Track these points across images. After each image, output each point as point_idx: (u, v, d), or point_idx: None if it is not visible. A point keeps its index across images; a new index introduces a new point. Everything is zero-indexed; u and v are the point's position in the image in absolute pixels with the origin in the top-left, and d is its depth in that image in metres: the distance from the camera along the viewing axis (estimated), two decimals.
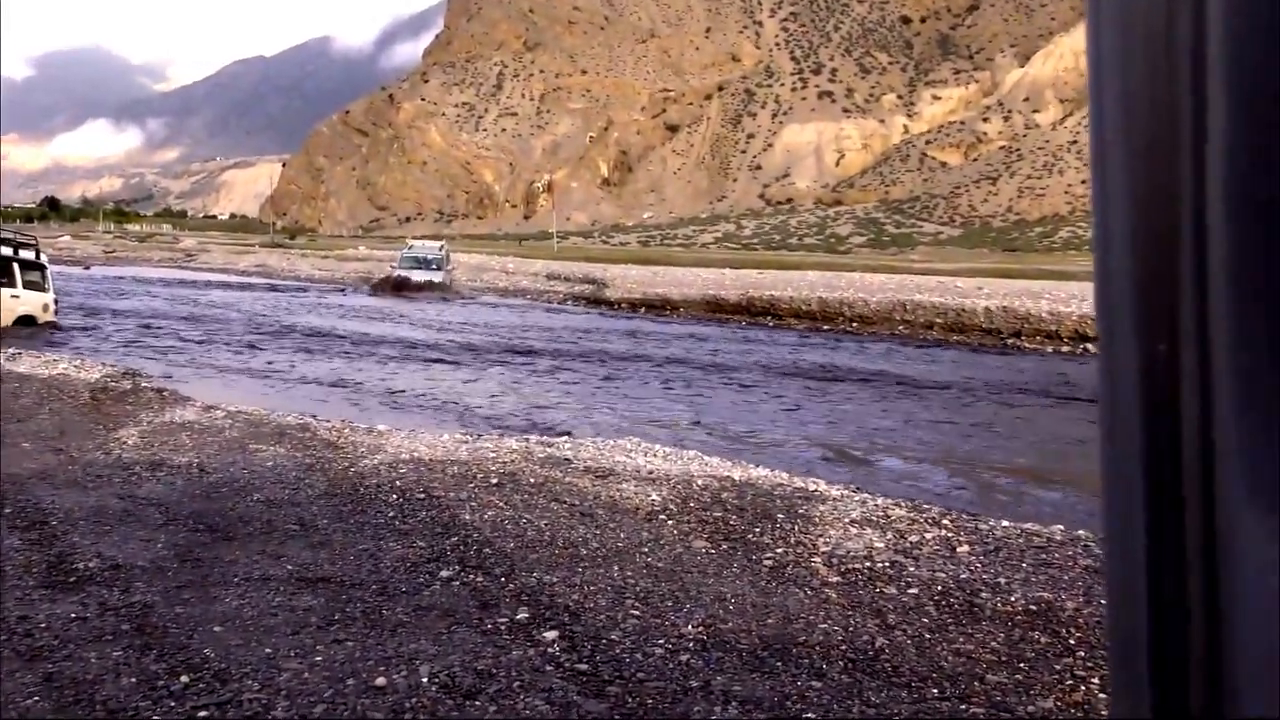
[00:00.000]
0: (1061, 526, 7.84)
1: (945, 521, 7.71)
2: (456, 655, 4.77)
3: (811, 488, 8.81)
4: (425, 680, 4.47)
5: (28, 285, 22.89)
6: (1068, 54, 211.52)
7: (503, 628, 5.18)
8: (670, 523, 7.37)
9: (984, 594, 5.97)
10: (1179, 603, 0.73)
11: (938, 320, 35.09)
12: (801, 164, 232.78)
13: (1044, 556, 6.83)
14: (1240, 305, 0.68)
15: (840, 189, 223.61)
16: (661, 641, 5.08)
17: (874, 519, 7.64)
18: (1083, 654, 5.12)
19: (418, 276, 47.83)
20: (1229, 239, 0.69)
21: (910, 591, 6.02)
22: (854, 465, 13.62)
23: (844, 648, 5.11)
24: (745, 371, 23.63)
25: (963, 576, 6.29)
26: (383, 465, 8.83)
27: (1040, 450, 15.76)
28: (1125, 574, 0.77)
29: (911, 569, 6.44)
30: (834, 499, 8.31)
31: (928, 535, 7.24)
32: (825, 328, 36.33)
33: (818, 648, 5.10)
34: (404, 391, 18.37)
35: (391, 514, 7.30)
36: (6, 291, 22.06)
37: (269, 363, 21.55)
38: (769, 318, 38.86)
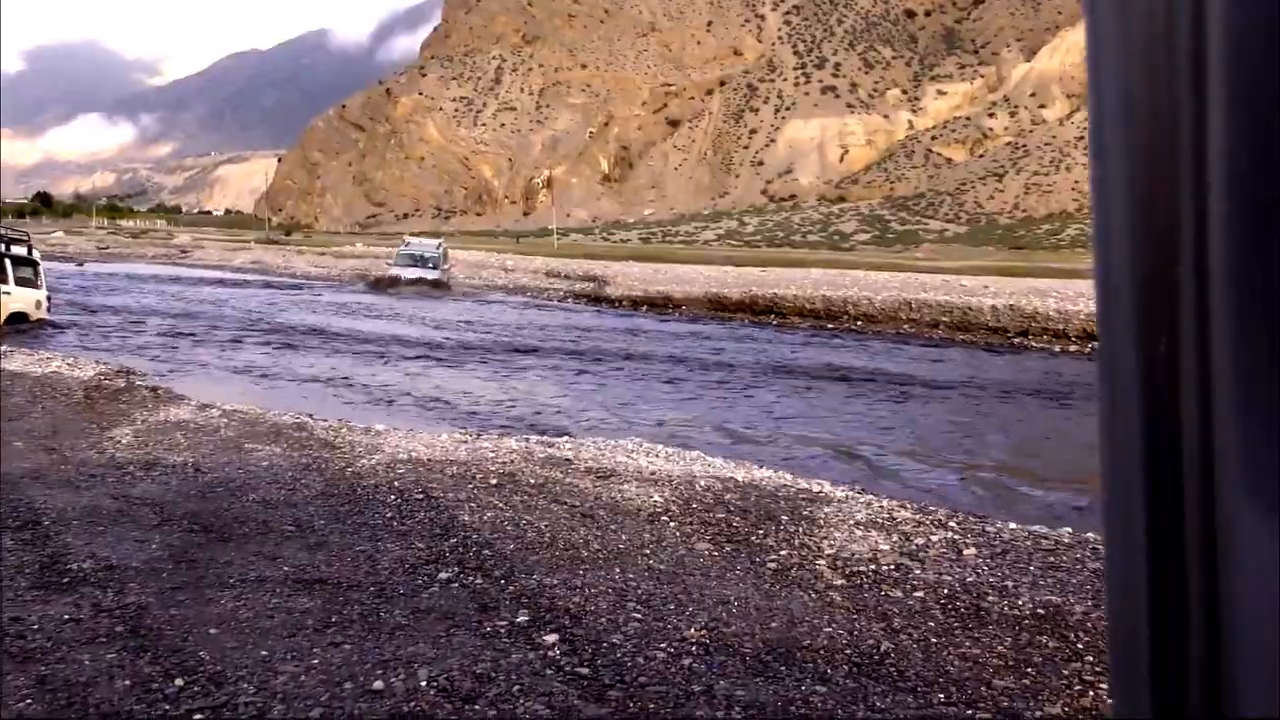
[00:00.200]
0: (1069, 529, 7.84)
1: (952, 524, 7.71)
2: (455, 658, 4.76)
3: (816, 489, 8.81)
4: (424, 684, 4.47)
5: (20, 282, 22.90)
6: (1075, 48, 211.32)
7: (502, 631, 5.17)
8: (672, 524, 7.37)
9: (991, 597, 5.97)
10: (1179, 602, 0.73)
11: (943, 319, 35.09)
12: (805, 160, 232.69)
13: (1051, 559, 6.82)
14: (1240, 305, 0.68)
15: (844, 185, 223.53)
16: (663, 645, 5.08)
17: (879, 521, 7.64)
18: (1091, 659, 5.12)
19: (414, 274, 47.71)
20: (1229, 239, 0.69)
21: (916, 595, 6.02)
22: (859, 466, 13.62)
23: (849, 652, 5.11)
24: (748, 370, 23.63)
25: (969, 580, 6.29)
26: (380, 465, 8.83)
27: (1048, 451, 15.75)
28: (1126, 573, 0.78)
29: (917, 572, 6.44)
30: (839, 500, 8.31)
31: (934, 538, 7.24)
32: (829, 326, 36.33)
33: (822, 652, 5.10)
34: (402, 390, 18.37)
35: (389, 515, 7.30)
36: None
37: (265, 361, 21.55)
38: (772, 316, 38.85)
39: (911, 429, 17.14)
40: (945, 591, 6.07)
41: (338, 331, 28.31)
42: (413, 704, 4.27)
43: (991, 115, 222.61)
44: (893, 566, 6.54)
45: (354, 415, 13.73)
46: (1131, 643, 0.77)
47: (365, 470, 8.65)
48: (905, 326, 35.27)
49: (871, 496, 8.78)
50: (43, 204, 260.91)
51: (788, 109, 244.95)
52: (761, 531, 7.24)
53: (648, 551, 6.68)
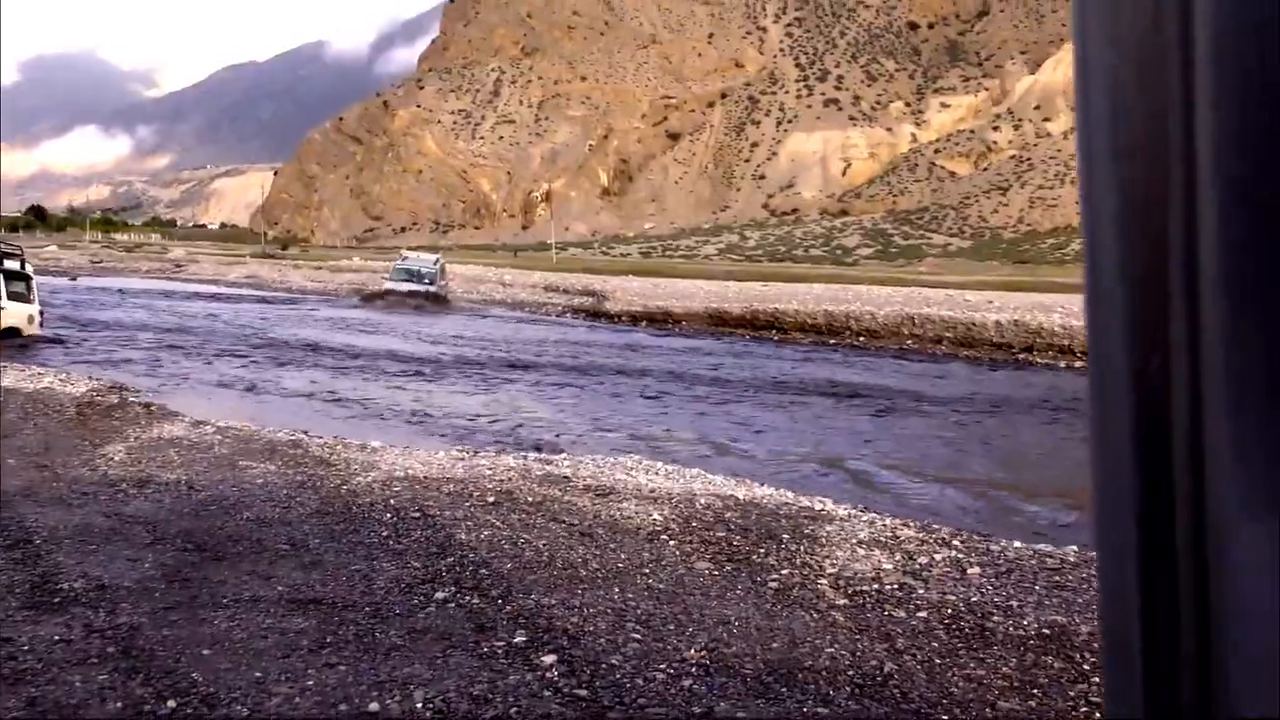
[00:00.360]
0: (1075, 547, 7.82)
1: (955, 542, 7.70)
2: (452, 680, 4.75)
3: (818, 507, 8.80)
4: (420, 705, 4.46)
5: (12, 296, 22.91)
6: None
7: (499, 651, 5.16)
8: (672, 543, 7.36)
9: (995, 617, 5.96)
10: (1170, 602, 0.74)
11: (947, 334, 35.11)
12: (807, 173, 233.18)
13: (1057, 579, 6.81)
14: (1231, 305, 0.69)
15: (846, 199, 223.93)
16: (663, 666, 5.07)
17: (882, 539, 7.63)
18: (1097, 680, 5.10)
19: (409, 288, 47.65)
20: (1219, 239, 0.69)
21: (919, 615, 6.00)
22: (861, 484, 13.61)
23: (851, 673, 5.10)
24: (749, 387, 23.63)
25: (974, 599, 6.28)
26: (376, 483, 8.82)
27: (1054, 468, 15.73)
28: (1116, 573, 0.78)
29: (921, 591, 6.43)
30: (841, 519, 8.30)
31: (937, 556, 7.23)
32: (831, 342, 36.34)
33: (824, 673, 5.09)
34: (399, 407, 18.37)
35: (385, 533, 7.29)
36: None
37: (259, 377, 21.55)
38: (773, 331, 38.87)
39: (914, 446, 17.13)
40: (949, 611, 6.06)
41: (334, 347, 28.31)
42: None
43: (995, 128, 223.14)
44: (896, 586, 6.53)
45: (349, 432, 13.72)
46: (1123, 642, 0.78)
47: (361, 488, 8.64)
48: (908, 342, 35.28)
49: (874, 514, 8.77)
50: (37, 217, 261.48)
51: (789, 122, 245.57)
52: (763, 550, 7.23)
53: (647, 570, 6.67)
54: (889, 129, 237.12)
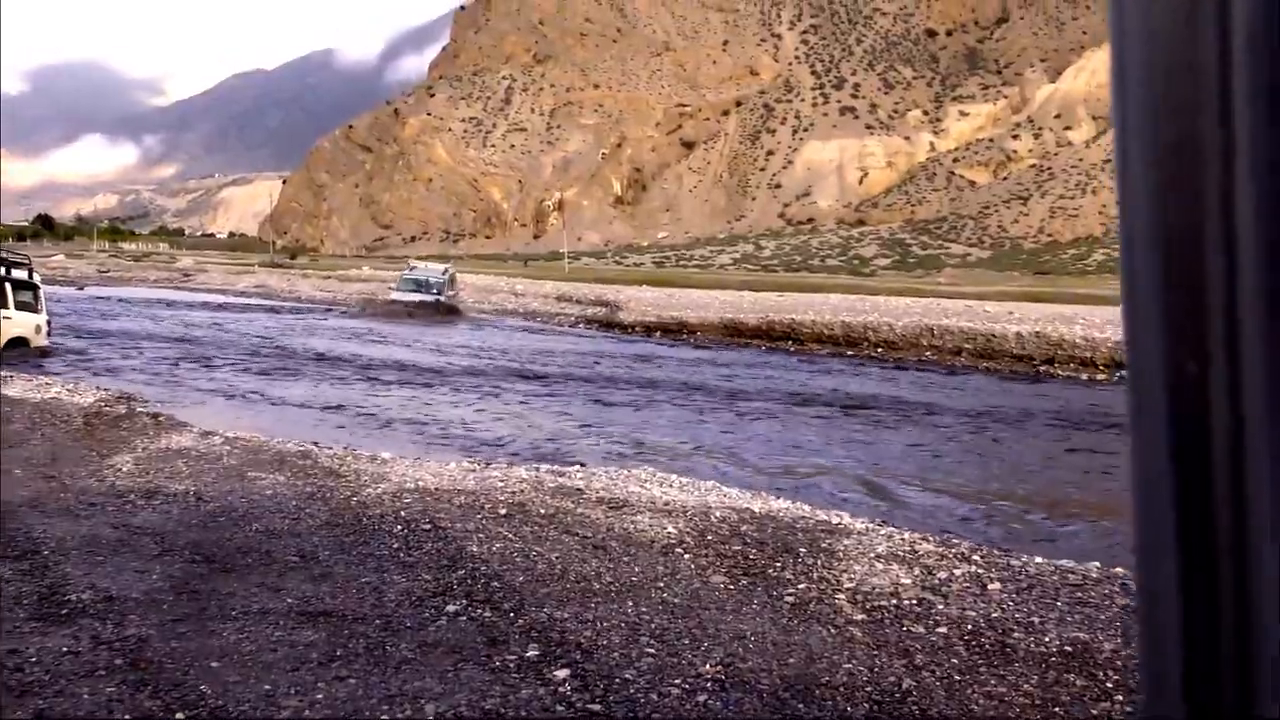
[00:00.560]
0: (1098, 563, 7.80)
1: (975, 557, 7.68)
2: (463, 694, 4.76)
3: (835, 521, 8.79)
4: None
5: (20, 306, 23.01)
6: (1101, 69, 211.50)
7: (512, 665, 5.16)
8: (687, 556, 7.35)
9: (1016, 634, 5.94)
10: (1210, 605, 0.74)
11: (966, 346, 35.04)
12: (823, 182, 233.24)
13: (1079, 595, 6.79)
14: (1271, 311, 0.69)
15: (864, 208, 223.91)
16: (678, 681, 5.07)
17: (901, 554, 7.62)
18: (1120, 698, 5.09)
19: (415, 299, 47.50)
20: (1258, 244, 0.69)
21: (939, 630, 5.99)
22: (879, 497, 13.58)
23: (869, 689, 5.09)
24: (765, 399, 23.61)
25: (994, 615, 6.26)
26: (387, 495, 8.84)
27: (1075, 482, 15.68)
28: (1155, 572, 0.79)
29: (940, 607, 6.42)
30: (859, 533, 8.29)
31: (957, 571, 7.21)
32: (849, 353, 36.30)
33: (841, 689, 5.08)
34: (410, 417, 18.40)
35: (396, 545, 7.30)
36: None
37: (268, 387, 21.61)
38: (790, 342, 38.84)
39: (933, 459, 17.09)
40: (969, 627, 6.04)
41: (343, 357, 28.39)
42: None
43: (1015, 137, 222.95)
44: (915, 601, 6.51)
45: (359, 442, 13.75)
46: (1161, 643, 0.78)
47: (371, 500, 8.66)
48: (927, 353, 35.23)
49: (892, 529, 8.75)
50: (44, 226, 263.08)
51: (805, 130, 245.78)
52: (779, 564, 7.22)
53: (661, 584, 6.67)
54: (907, 137, 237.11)
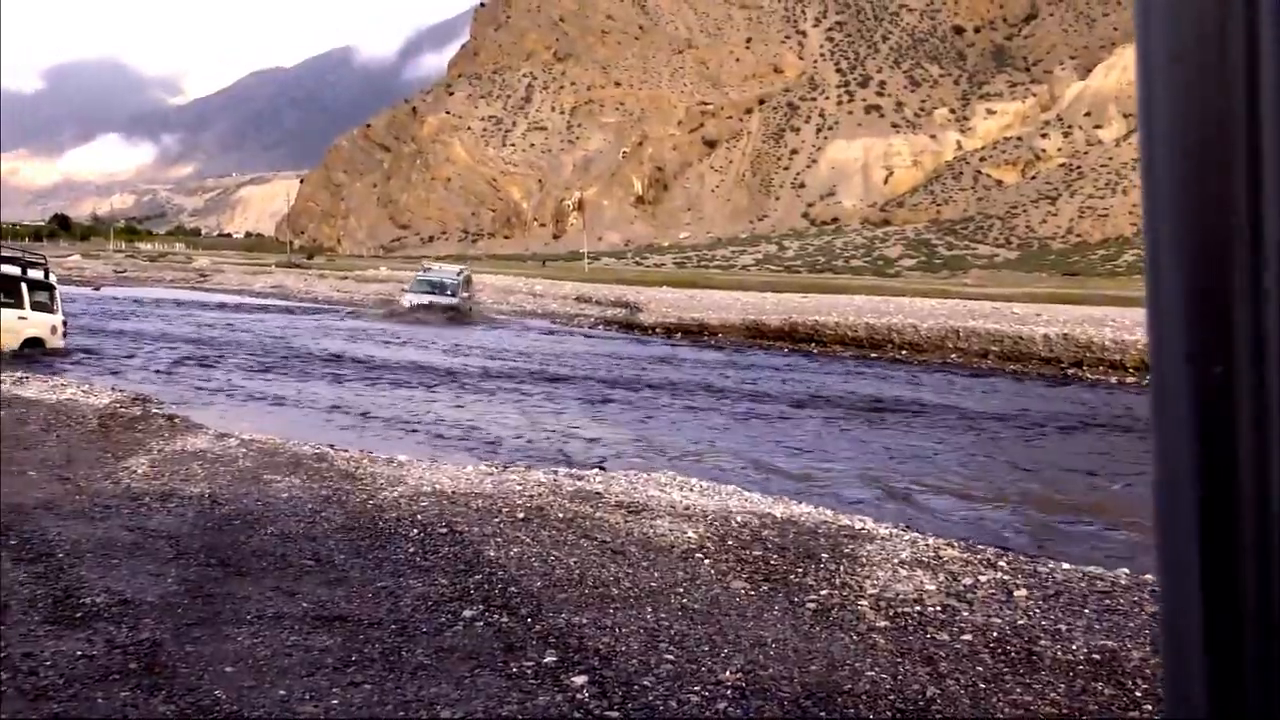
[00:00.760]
0: (1127, 570, 7.76)
1: (1001, 563, 7.65)
2: (480, 700, 4.77)
3: (858, 526, 8.77)
4: None
5: (35, 306, 23.17)
6: (1131, 66, 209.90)
7: (529, 672, 5.17)
8: (707, 562, 7.35)
9: (1043, 641, 5.91)
10: (1234, 607, 0.74)
11: (993, 348, 34.91)
12: (848, 182, 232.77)
13: (1108, 602, 6.76)
14: None
15: (889, 208, 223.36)
16: (697, 688, 5.06)
17: (925, 560, 7.60)
18: (1149, 707, 5.06)
19: (427, 300, 47.34)
20: None
21: (964, 638, 5.97)
22: (903, 502, 13.55)
23: (892, 697, 5.08)
24: (787, 401, 23.58)
25: (1020, 622, 6.24)
26: (403, 498, 8.87)
27: (1103, 486, 15.61)
28: (1179, 575, 0.79)
29: (965, 614, 6.40)
30: (882, 538, 8.27)
31: (982, 578, 7.19)
32: (873, 355, 36.23)
33: (864, 697, 5.07)
34: (426, 420, 18.45)
35: (412, 549, 7.32)
36: (14, 313, 22.33)
37: (284, 388, 21.71)
38: (813, 344, 38.78)
39: (958, 463, 17.04)
40: (995, 635, 6.02)
41: (359, 358, 28.49)
42: None
43: (1044, 135, 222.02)
44: (939, 608, 6.49)
45: (375, 445, 13.80)
46: (1186, 645, 0.78)
47: (387, 503, 8.69)
48: (953, 356, 35.12)
49: (916, 534, 8.73)
50: (60, 226, 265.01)
51: (830, 129, 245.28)
52: (800, 570, 7.21)
53: (681, 590, 6.66)
54: (933, 136, 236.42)
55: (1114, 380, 30.09)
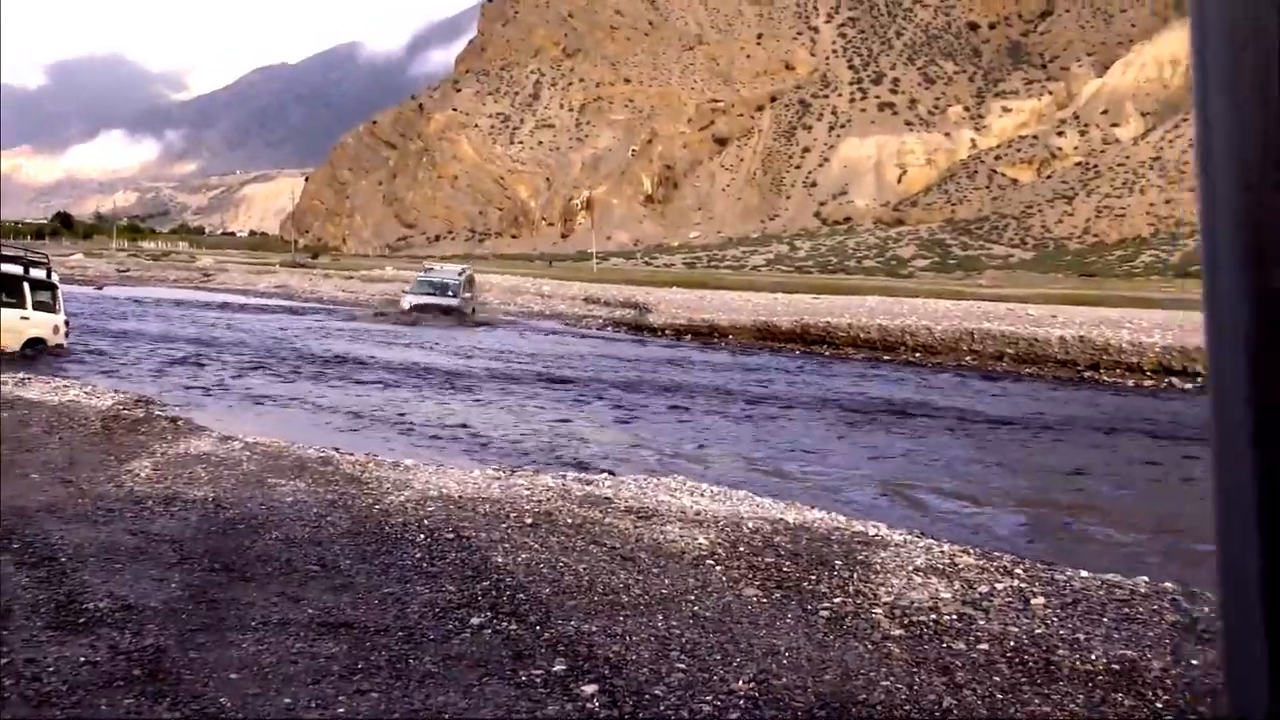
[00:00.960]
0: (1146, 577, 7.74)
1: (1018, 570, 7.63)
2: (488, 709, 4.76)
3: (872, 532, 8.76)
4: None
5: (37, 306, 23.23)
6: (1150, 63, 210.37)
7: (538, 680, 5.17)
8: (718, 568, 7.34)
9: (1061, 651, 5.90)
10: None
11: (1008, 350, 34.86)
12: (860, 181, 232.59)
13: (1127, 610, 6.74)
14: None
15: (902, 208, 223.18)
16: (709, 698, 5.06)
17: (940, 567, 7.58)
18: (1170, 719, 5.04)
19: (426, 301, 47.36)
20: None
21: (980, 647, 5.95)
22: (918, 508, 13.52)
23: (908, 708, 5.06)
24: (798, 404, 23.56)
25: (1037, 631, 6.22)
26: (409, 503, 8.87)
27: (1121, 492, 15.57)
28: (1238, 572, 0.78)
29: (981, 622, 6.38)
30: (896, 544, 8.25)
31: (999, 585, 7.17)
32: (886, 358, 36.19)
33: (879, 707, 5.06)
34: (432, 422, 18.46)
35: (419, 555, 7.32)
36: (16, 313, 22.39)
37: (288, 390, 21.74)
38: (825, 346, 38.75)
39: (973, 468, 17.01)
40: (1012, 644, 6.00)
41: (364, 360, 28.53)
42: None
43: (1060, 134, 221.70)
44: (955, 616, 6.48)
45: (381, 448, 13.81)
46: (1246, 640, 0.78)
47: (394, 507, 8.69)
48: (967, 358, 35.07)
49: (931, 540, 8.71)
50: (63, 224, 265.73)
51: (842, 127, 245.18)
52: (814, 577, 7.20)
53: (692, 597, 6.66)
54: (947, 134, 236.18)
55: (1131, 383, 30.02)
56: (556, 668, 5.33)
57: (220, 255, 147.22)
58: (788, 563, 7.52)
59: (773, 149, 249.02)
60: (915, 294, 68.81)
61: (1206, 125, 0.78)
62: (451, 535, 7.84)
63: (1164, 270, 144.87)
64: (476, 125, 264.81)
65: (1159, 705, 5.20)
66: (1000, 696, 5.26)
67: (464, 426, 18.22)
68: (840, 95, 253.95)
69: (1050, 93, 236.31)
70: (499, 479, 10.35)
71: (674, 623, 6.14)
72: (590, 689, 5.08)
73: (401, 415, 19.05)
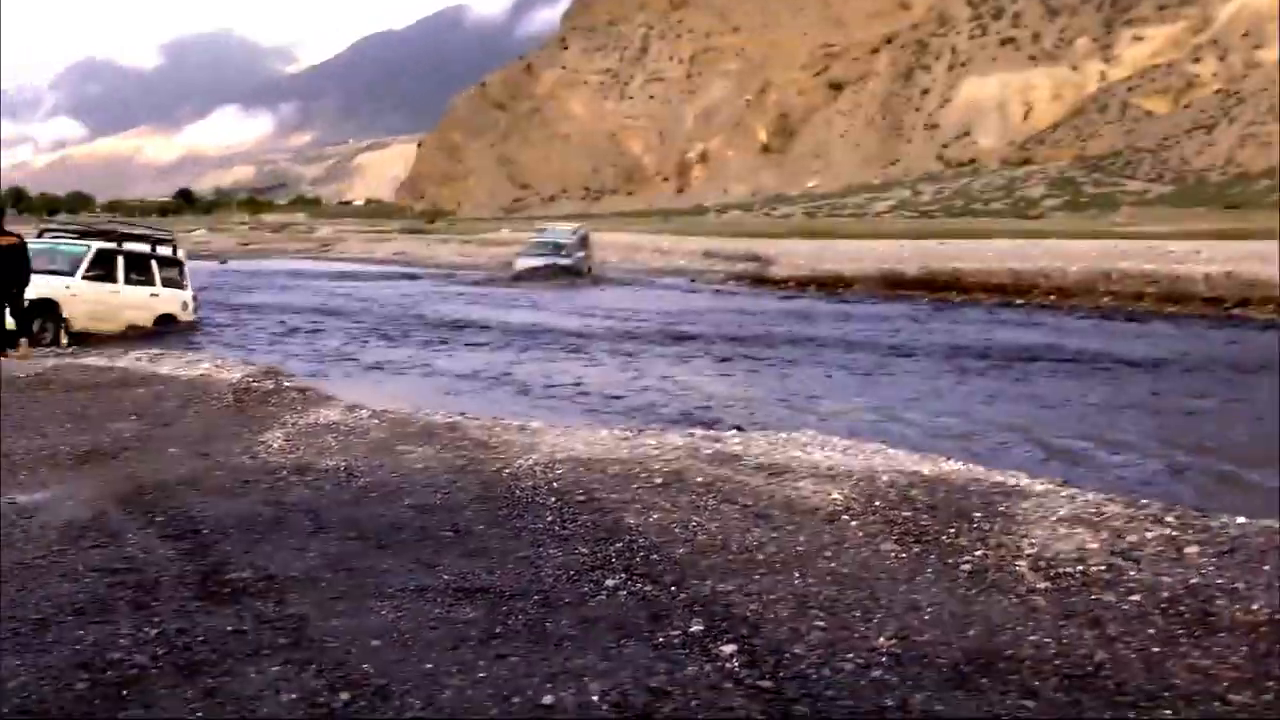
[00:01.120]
0: None
1: (1168, 518, 7.43)
2: (628, 671, 4.80)
3: (1011, 482, 8.60)
4: (596, 699, 4.51)
5: (166, 283, 23.97)
6: None
7: (676, 641, 5.19)
8: (854, 524, 7.29)
9: (1219, 601, 5.73)
10: None
11: (1149, 290, 33.92)
12: (984, 120, 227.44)
13: None
14: None
15: (1029, 146, 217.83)
16: (850, 655, 5.03)
17: (1085, 516, 7.41)
18: None
19: (540, 262, 47.56)
20: None
21: (1131, 599, 5.82)
22: (1059, 456, 13.26)
23: (1058, 662, 4.97)
24: (929, 354, 23.24)
25: (1193, 581, 6.05)
26: (538, 466, 8.95)
27: (1274, 434, 15.05)
28: None
29: (1132, 573, 6.23)
30: (1038, 495, 8.09)
31: (1149, 535, 6.99)
32: (1018, 302, 35.49)
33: (1028, 662, 4.98)
34: (555, 383, 18.63)
35: (550, 518, 7.39)
36: (145, 290, 23.15)
37: (411, 356, 22.13)
38: (954, 293, 38.15)
39: (1116, 413, 16.61)
40: (1165, 595, 5.85)
41: (484, 323, 28.88)
42: None
43: (1197, 60, 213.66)
44: (1103, 567, 6.34)
45: (506, 411, 13.96)
46: None
47: (523, 471, 8.79)
48: (1105, 300, 34.21)
49: (1074, 489, 8.51)
50: (185, 201, 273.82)
51: (963, 65, 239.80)
52: (953, 530, 7.11)
53: (829, 554, 6.62)
54: (1074, 67, 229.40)
55: None
56: (694, 628, 5.35)
57: (338, 225, 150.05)
58: (925, 516, 7.43)
59: (891, 92, 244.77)
60: (1046, 235, 67.08)
61: None
62: (582, 497, 7.91)
63: None
64: (586, 82, 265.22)
65: None
66: (1156, 650, 5.13)
67: (587, 386, 18.35)
68: (959, 33, 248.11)
69: (1185, 17, 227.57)
70: (627, 439, 10.39)
71: (811, 580, 6.11)
72: (729, 649, 5.09)
73: (521, 377, 19.26)
